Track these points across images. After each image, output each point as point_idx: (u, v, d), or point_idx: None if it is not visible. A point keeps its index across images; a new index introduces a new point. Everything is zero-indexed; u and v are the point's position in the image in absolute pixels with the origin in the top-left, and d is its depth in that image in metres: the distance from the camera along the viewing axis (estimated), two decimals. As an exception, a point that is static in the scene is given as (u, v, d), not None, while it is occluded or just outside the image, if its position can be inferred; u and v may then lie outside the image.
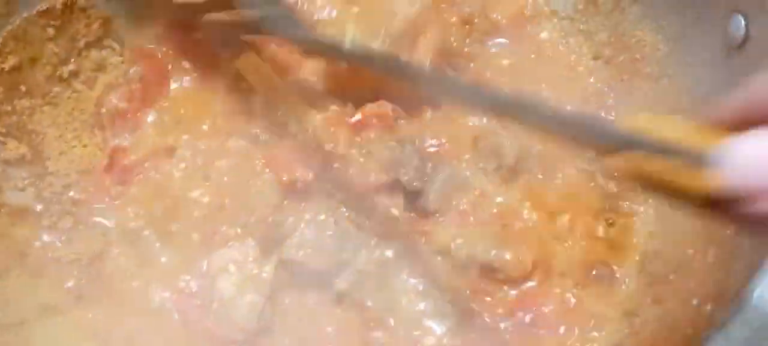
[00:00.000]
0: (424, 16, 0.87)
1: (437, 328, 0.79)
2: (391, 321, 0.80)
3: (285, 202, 0.83)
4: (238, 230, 0.82)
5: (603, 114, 0.90)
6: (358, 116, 0.85)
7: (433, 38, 0.87)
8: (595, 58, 0.93)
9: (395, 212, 0.82)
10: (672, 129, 0.50)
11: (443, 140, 0.87)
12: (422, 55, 0.87)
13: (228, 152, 0.87)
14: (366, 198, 0.83)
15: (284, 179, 0.83)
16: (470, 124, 0.88)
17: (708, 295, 0.72)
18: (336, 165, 0.84)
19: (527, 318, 0.80)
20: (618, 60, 0.92)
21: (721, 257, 0.74)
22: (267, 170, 0.84)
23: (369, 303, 0.80)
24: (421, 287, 0.81)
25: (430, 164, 0.84)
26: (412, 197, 0.83)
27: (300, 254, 0.80)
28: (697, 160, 0.48)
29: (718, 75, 0.80)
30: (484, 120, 0.88)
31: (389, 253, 0.82)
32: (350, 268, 0.80)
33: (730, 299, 0.66)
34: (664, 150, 0.49)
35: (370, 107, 0.85)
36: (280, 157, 0.85)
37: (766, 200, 0.46)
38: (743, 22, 0.75)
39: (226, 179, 0.85)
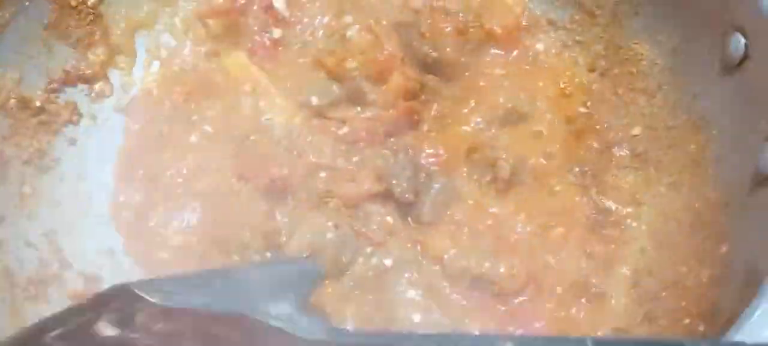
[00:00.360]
0: (390, 60, 0.87)
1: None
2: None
3: (274, 209, 0.82)
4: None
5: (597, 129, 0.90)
6: (345, 129, 0.85)
7: (400, 80, 0.87)
8: (591, 70, 0.92)
9: (390, 219, 0.82)
10: None
11: (440, 151, 0.86)
12: (389, 94, 0.87)
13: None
14: (359, 207, 0.82)
15: (261, 181, 0.82)
16: (466, 135, 0.88)
17: (701, 314, 0.72)
18: (323, 174, 0.84)
19: (518, 333, 0.79)
20: (613, 73, 0.91)
21: (715, 277, 0.73)
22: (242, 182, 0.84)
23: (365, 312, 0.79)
24: (418, 299, 0.80)
25: (423, 175, 0.83)
26: (406, 207, 0.83)
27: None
28: None
29: (715, 92, 0.80)
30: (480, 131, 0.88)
31: (388, 261, 0.81)
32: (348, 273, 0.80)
33: (723, 319, 0.66)
34: None
35: (359, 121, 0.84)
36: (248, 159, 0.84)
37: None
38: (743, 40, 0.75)
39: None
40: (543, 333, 0.78)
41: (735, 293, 0.70)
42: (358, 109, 0.87)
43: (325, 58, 0.89)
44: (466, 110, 0.91)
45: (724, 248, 0.75)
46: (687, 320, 0.73)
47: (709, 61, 0.80)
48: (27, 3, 0.85)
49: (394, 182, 0.82)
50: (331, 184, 0.83)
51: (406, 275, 0.80)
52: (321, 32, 0.92)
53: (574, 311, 0.81)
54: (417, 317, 0.79)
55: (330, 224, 0.80)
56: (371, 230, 0.81)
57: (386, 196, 0.83)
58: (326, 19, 0.93)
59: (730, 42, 0.76)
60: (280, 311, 0.65)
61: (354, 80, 0.87)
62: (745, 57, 0.75)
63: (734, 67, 0.76)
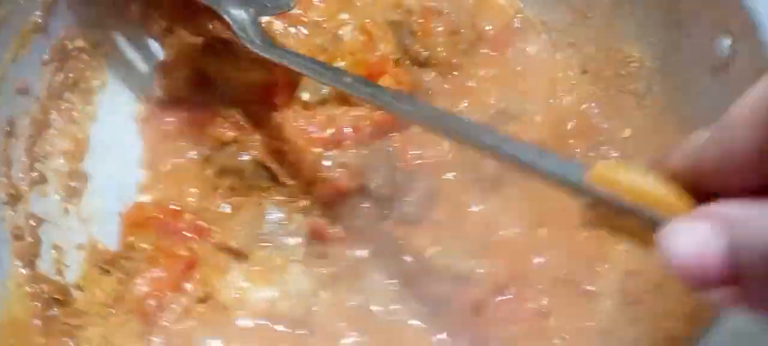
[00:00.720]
0: (381, 62, 0.88)
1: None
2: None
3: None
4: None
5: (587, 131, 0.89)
6: (331, 130, 0.85)
7: (390, 83, 0.87)
8: (583, 71, 0.92)
9: (359, 222, 0.81)
10: (635, 184, 0.48)
11: (428, 152, 0.86)
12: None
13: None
14: (334, 204, 0.82)
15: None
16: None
17: (685, 317, 0.71)
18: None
19: (500, 332, 0.79)
20: (605, 74, 0.90)
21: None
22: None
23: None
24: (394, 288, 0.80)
25: (403, 173, 0.83)
26: (388, 205, 0.83)
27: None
28: (652, 225, 0.46)
29: (703, 94, 0.79)
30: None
31: (364, 253, 0.81)
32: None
33: (706, 321, 0.65)
34: (622, 208, 0.48)
35: (347, 119, 0.85)
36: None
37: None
38: (729, 42, 0.74)
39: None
40: (524, 332, 0.78)
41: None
42: (346, 108, 0.87)
43: (317, 56, 0.89)
44: (457, 111, 0.90)
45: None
46: (671, 322, 0.73)
47: (698, 62, 0.79)
48: (21, 2, 0.86)
49: (369, 178, 0.82)
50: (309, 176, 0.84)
51: (383, 266, 0.80)
52: (313, 31, 0.92)
53: (558, 311, 0.80)
54: (394, 306, 0.79)
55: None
56: (344, 227, 0.81)
57: (363, 193, 0.83)
58: (318, 19, 0.93)
59: (716, 43, 0.75)
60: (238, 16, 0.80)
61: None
62: (731, 57, 0.74)
63: (721, 68, 0.76)
